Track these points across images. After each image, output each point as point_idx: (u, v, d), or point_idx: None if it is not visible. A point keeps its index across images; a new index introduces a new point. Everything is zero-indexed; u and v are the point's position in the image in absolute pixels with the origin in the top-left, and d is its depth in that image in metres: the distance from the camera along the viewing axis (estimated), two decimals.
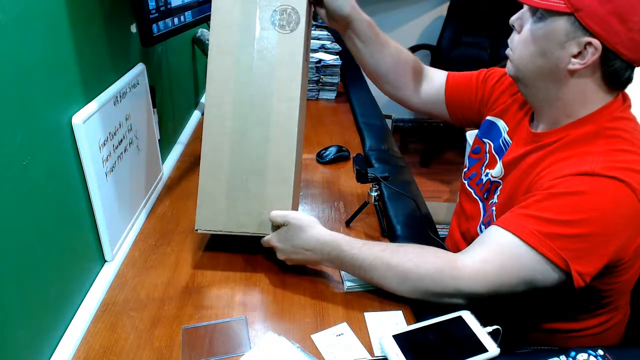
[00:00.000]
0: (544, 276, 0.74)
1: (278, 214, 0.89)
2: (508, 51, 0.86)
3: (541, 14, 0.78)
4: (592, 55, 0.75)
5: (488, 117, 1.02)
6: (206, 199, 0.92)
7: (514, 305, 0.93)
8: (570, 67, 0.77)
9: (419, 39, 3.53)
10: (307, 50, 0.98)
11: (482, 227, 0.95)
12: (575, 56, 0.76)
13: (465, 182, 1.05)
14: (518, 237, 0.75)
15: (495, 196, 0.92)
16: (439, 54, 3.37)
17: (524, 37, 0.82)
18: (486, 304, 0.81)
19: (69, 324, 0.81)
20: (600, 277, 0.77)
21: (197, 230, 0.93)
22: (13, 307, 0.66)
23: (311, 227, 0.87)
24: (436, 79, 1.11)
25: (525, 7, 0.82)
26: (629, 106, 0.83)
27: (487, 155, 1.00)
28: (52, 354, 0.75)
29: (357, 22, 1.02)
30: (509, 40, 0.86)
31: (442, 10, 3.41)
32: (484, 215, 0.97)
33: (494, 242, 0.78)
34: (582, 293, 0.80)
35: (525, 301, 0.91)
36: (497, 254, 0.77)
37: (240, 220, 0.92)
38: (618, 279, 0.81)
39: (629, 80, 0.79)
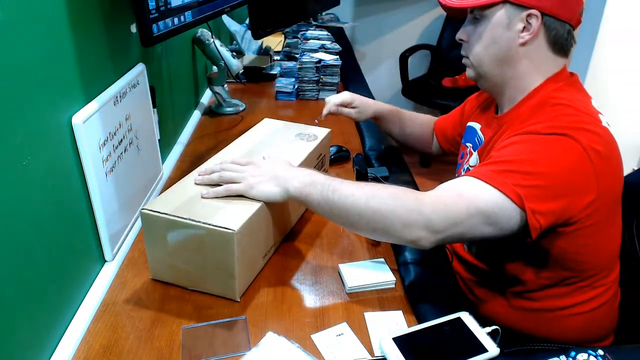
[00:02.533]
0: (502, 211, 0.77)
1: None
2: (464, 60, 0.97)
3: (478, 15, 0.90)
4: (536, 22, 0.85)
5: (468, 124, 1.11)
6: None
7: (494, 278, 0.97)
8: (521, 40, 0.87)
9: (419, 39, 3.54)
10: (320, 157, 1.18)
11: None
12: (521, 31, 0.86)
13: None
14: (474, 177, 0.80)
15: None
16: (439, 54, 3.37)
17: (472, 41, 0.93)
18: (452, 242, 0.90)
19: (69, 323, 0.81)
20: (561, 233, 0.81)
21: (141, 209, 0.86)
22: (13, 307, 0.66)
23: None
24: (432, 129, 1.33)
25: (466, 21, 0.95)
26: (577, 81, 0.92)
27: (468, 156, 1.06)
28: (52, 354, 0.75)
29: (382, 113, 1.33)
30: (462, 52, 0.97)
31: (442, 10, 3.41)
32: None
33: (449, 182, 0.84)
34: (550, 257, 0.85)
35: (501, 270, 0.94)
36: (453, 186, 0.82)
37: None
38: (581, 241, 0.84)
39: (570, 42, 0.89)
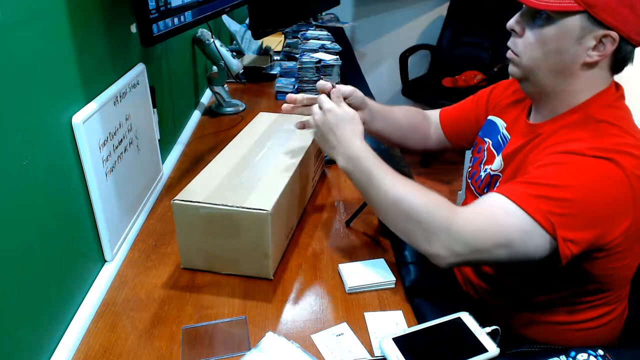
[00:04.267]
0: (530, 239, 0.75)
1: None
2: (511, 55, 0.86)
3: (548, 15, 0.78)
4: (610, 45, 0.77)
5: (489, 117, 1.05)
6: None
7: (511, 295, 0.94)
8: (588, 59, 0.79)
9: (419, 39, 3.54)
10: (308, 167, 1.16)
11: None
12: (592, 48, 0.78)
13: (469, 180, 1.06)
14: (508, 198, 0.76)
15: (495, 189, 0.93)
16: (439, 54, 3.37)
17: (532, 39, 0.81)
18: (468, 265, 0.84)
19: (69, 324, 0.81)
20: (591, 259, 0.78)
21: (174, 201, 0.89)
22: (13, 307, 0.66)
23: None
24: (435, 120, 1.20)
25: (523, 9, 0.82)
26: (622, 96, 0.85)
27: (485, 153, 1.02)
28: (52, 354, 0.75)
29: (374, 109, 1.14)
30: (510, 44, 0.86)
31: (442, 10, 3.42)
32: None
33: (485, 201, 0.80)
34: (576, 279, 0.81)
35: (519, 284, 0.92)
36: (488, 208, 0.79)
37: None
38: (611, 265, 0.81)
39: (630, 62, 0.82)
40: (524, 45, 0.83)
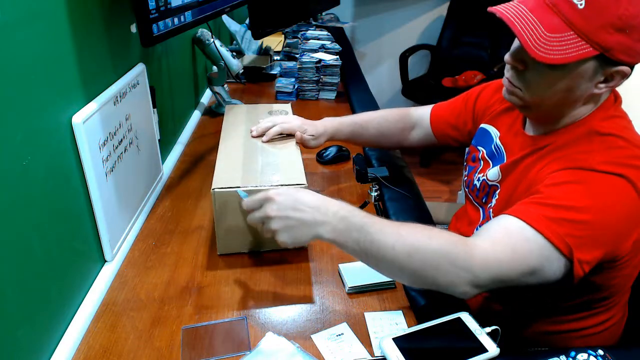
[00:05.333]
0: (550, 263, 0.73)
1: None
2: (512, 88, 0.83)
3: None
4: (620, 78, 0.76)
5: (482, 125, 1.05)
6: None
7: (514, 306, 0.93)
8: (596, 91, 0.77)
9: (419, 39, 3.54)
10: None
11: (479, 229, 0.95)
12: (601, 82, 0.77)
13: (466, 189, 1.06)
14: (525, 221, 0.73)
15: (494, 199, 0.92)
16: (439, 54, 3.37)
17: (539, 78, 0.78)
18: (487, 296, 0.79)
19: (69, 324, 0.81)
20: (599, 271, 0.77)
21: (213, 189, 0.91)
22: (13, 307, 0.66)
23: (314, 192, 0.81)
24: (423, 118, 1.19)
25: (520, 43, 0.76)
26: (620, 103, 0.84)
27: (481, 162, 1.01)
28: (52, 354, 0.75)
29: (339, 135, 1.18)
30: (509, 77, 0.83)
31: (442, 10, 3.41)
32: (482, 219, 0.97)
33: (501, 226, 0.76)
34: (581, 290, 0.80)
35: (526, 301, 0.91)
36: (506, 237, 0.74)
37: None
38: (616, 274, 0.81)
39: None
40: (528, 82, 0.80)
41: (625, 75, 0.76)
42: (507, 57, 0.81)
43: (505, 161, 0.92)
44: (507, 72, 0.83)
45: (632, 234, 0.76)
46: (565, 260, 0.73)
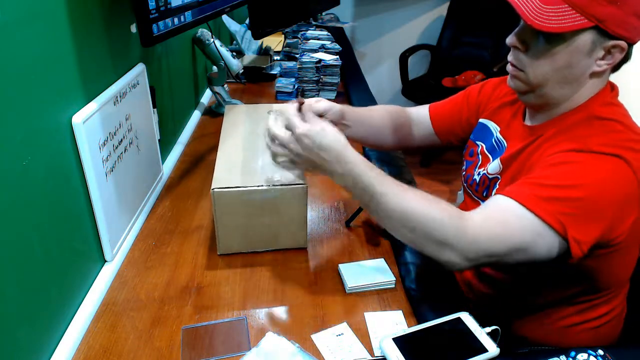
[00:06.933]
0: (542, 240, 0.74)
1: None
2: (515, 71, 0.84)
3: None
4: (619, 54, 0.77)
5: (480, 120, 1.05)
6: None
7: (508, 292, 0.94)
8: (597, 69, 0.79)
9: (419, 39, 3.54)
10: None
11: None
12: (601, 58, 0.78)
13: (464, 184, 1.06)
14: (517, 201, 0.75)
15: (494, 191, 0.93)
16: (439, 54, 3.37)
17: (540, 56, 0.80)
18: (479, 269, 0.83)
19: (69, 324, 0.81)
20: (595, 256, 0.78)
21: (213, 189, 0.91)
22: (13, 307, 0.66)
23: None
24: (421, 117, 1.16)
25: (523, 23, 0.80)
26: (617, 94, 0.86)
27: (480, 156, 1.02)
28: (52, 354, 0.75)
29: (347, 115, 1.08)
30: (512, 59, 0.84)
31: (442, 10, 3.41)
32: None
33: (495, 204, 0.79)
34: (579, 276, 0.82)
35: (525, 287, 0.92)
36: (499, 212, 0.77)
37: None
38: (611, 262, 0.82)
39: (629, 59, 0.82)
40: (530, 61, 0.81)
41: (623, 50, 0.77)
42: (509, 39, 0.83)
43: (505, 152, 0.93)
44: (510, 56, 0.85)
45: (629, 215, 0.76)
46: (560, 239, 0.74)
